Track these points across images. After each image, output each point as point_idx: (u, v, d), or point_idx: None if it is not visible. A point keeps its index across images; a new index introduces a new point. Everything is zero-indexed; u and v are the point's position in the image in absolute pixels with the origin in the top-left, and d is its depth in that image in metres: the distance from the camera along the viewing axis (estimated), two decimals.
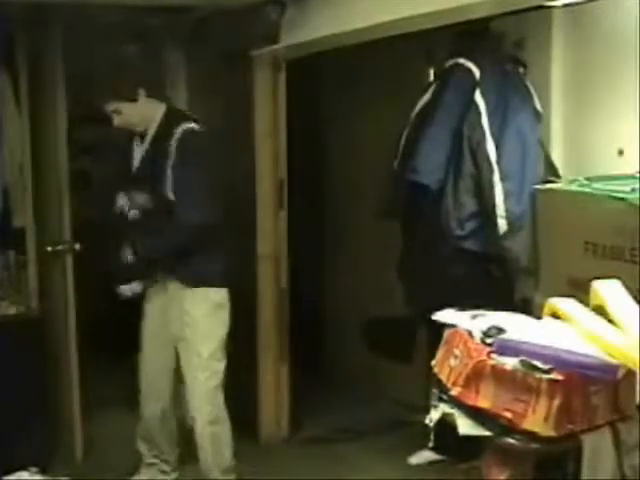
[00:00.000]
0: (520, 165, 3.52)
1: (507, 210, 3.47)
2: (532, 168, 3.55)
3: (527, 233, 3.44)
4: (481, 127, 3.52)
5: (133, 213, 3.61)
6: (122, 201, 3.64)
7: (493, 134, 3.52)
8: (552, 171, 3.65)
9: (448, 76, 3.64)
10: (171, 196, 3.48)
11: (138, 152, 3.62)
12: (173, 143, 3.47)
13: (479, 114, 3.52)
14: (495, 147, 3.51)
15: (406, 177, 3.65)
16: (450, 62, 3.63)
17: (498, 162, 3.50)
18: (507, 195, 3.48)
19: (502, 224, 3.48)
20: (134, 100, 3.52)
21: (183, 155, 3.46)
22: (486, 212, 3.53)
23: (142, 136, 3.60)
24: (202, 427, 3.60)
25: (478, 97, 3.53)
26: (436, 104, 3.63)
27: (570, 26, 3.70)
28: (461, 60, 3.58)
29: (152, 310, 3.73)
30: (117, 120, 3.54)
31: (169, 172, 3.46)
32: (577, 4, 3.57)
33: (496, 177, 3.49)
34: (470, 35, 3.65)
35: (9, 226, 4.11)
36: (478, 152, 3.52)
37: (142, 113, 3.56)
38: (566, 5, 3.59)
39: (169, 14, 4.29)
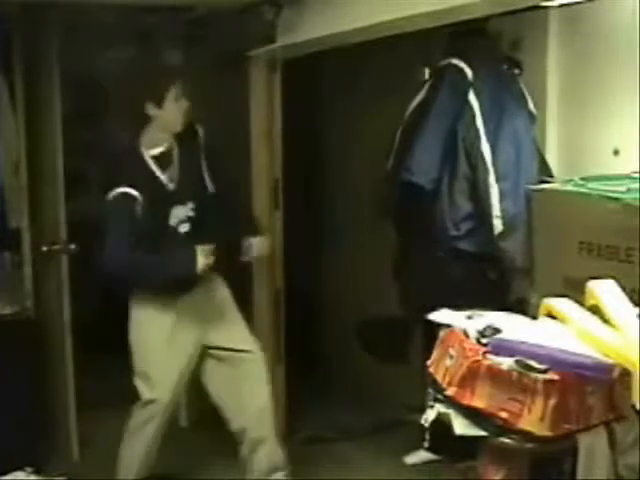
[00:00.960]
0: (515, 165, 3.53)
1: (502, 210, 3.47)
2: (527, 168, 3.55)
3: (522, 233, 3.44)
4: (475, 128, 3.52)
5: (184, 227, 3.52)
6: (173, 220, 3.50)
7: (488, 135, 3.52)
8: (546, 171, 3.66)
9: (441, 76, 3.64)
10: (211, 188, 3.62)
11: (171, 166, 3.53)
12: (202, 143, 3.59)
13: (473, 115, 3.53)
14: (490, 148, 3.51)
15: (401, 177, 3.65)
16: (443, 62, 3.64)
17: (493, 163, 3.50)
18: (502, 195, 3.48)
19: (497, 224, 3.48)
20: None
21: (213, 150, 3.62)
22: (481, 213, 3.54)
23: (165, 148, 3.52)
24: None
25: (472, 97, 3.54)
26: (429, 104, 3.64)
27: (566, 26, 3.70)
28: (454, 60, 3.59)
29: (167, 321, 3.58)
30: (185, 115, 3.48)
31: (205, 170, 3.59)
32: (573, 4, 3.58)
33: (491, 178, 3.49)
34: (465, 35, 3.65)
35: (5, 226, 4.11)
36: (473, 153, 3.53)
37: None
38: (562, 5, 3.59)
39: (165, 14, 4.29)
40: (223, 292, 3.72)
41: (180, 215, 3.51)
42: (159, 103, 3.43)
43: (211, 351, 3.68)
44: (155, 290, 3.54)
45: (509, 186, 3.50)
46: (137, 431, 3.61)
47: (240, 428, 3.66)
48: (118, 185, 3.38)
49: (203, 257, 3.42)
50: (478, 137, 3.52)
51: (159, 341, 3.57)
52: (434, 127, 3.59)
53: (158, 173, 3.49)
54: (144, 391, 3.57)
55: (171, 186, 3.52)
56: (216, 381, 3.71)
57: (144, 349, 3.59)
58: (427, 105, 3.66)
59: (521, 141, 3.57)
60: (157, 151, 3.49)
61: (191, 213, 3.53)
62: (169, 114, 3.45)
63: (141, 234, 3.39)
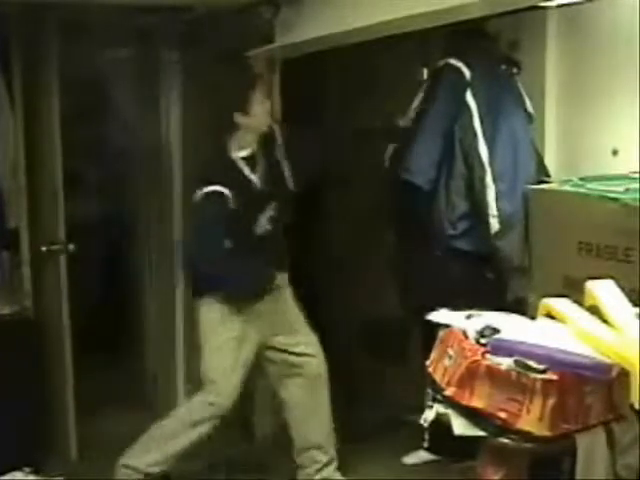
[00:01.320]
0: (512, 165, 3.53)
1: (499, 209, 3.48)
2: (524, 168, 3.55)
3: (519, 233, 3.44)
4: (473, 128, 3.53)
5: (264, 227, 3.59)
6: (263, 221, 3.59)
7: (485, 135, 3.52)
8: (543, 171, 3.66)
9: (439, 76, 3.65)
10: (292, 186, 3.68)
11: (256, 167, 3.61)
12: (281, 142, 3.66)
13: (471, 115, 3.53)
14: (487, 147, 3.51)
15: (400, 177, 3.66)
16: (441, 62, 3.65)
17: (490, 163, 3.50)
18: (499, 195, 3.48)
19: (494, 223, 3.48)
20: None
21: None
22: (478, 212, 3.54)
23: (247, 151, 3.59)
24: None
25: (469, 98, 3.54)
26: (427, 104, 3.64)
27: (565, 26, 3.70)
28: (452, 60, 3.59)
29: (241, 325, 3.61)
30: (269, 115, 3.63)
31: (286, 167, 3.66)
32: (572, 4, 3.58)
33: (488, 177, 3.49)
34: (463, 35, 3.65)
35: (4, 226, 4.11)
36: (470, 153, 3.53)
37: None
38: (560, 6, 3.60)
39: (163, 14, 4.29)
40: (291, 302, 3.76)
41: (266, 216, 3.58)
42: (246, 110, 3.51)
43: (280, 365, 3.73)
44: (227, 295, 3.54)
45: (506, 186, 3.50)
46: (192, 426, 3.58)
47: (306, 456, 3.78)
48: (207, 184, 3.42)
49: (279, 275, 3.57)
50: (475, 137, 3.52)
51: (229, 347, 3.58)
52: (432, 127, 3.60)
53: (248, 173, 3.56)
54: (209, 393, 3.57)
55: (260, 185, 3.58)
56: (293, 400, 3.77)
57: (213, 354, 3.60)
58: (426, 105, 3.66)
59: (519, 141, 3.57)
60: (245, 153, 3.56)
61: (273, 213, 3.60)
62: (256, 118, 3.54)
63: (228, 234, 3.44)
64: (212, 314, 3.58)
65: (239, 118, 3.52)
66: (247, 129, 3.56)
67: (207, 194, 3.41)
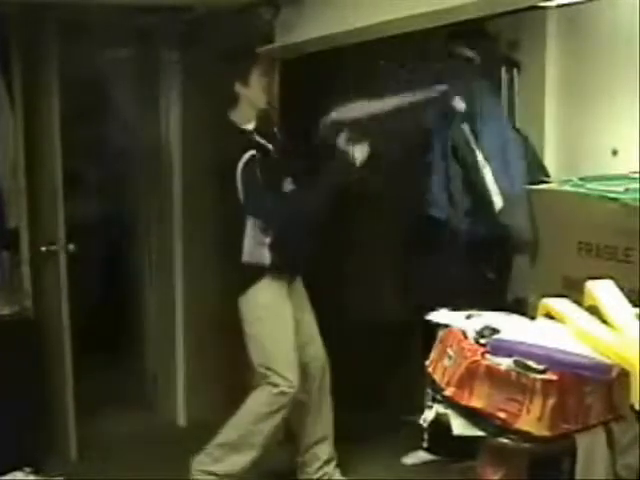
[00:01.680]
0: (500, 146, 3.56)
1: (499, 187, 3.49)
2: (512, 149, 3.57)
3: (524, 208, 3.42)
4: (461, 122, 3.57)
5: (289, 187, 3.70)
6: (288, 188, 3.70)
7: (471, 125, 3.56)
8: (543, 171, 3.66)
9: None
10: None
11: (264, 138, 3.68)
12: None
13: (461, 114, 3.58)
14: (473, 134, 3.55)
15: (424, 211, 3.73)
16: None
17: (480, 147, 3.53)
18: (495, 173, 3.51)
19: (498, 201, 3.49)
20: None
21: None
22: (480, 196, 3.55)
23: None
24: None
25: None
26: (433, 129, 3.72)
27: (565, 26, 3.71)
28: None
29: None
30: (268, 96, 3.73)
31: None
32: (572, 4, 3.58)
33: (480, 158, 3.52)
34: (463, 35, 3.66)
35: (3, 226, 4.11)
36: (460, 145, 3.59)
37: None
38: (560, 6, 3.60)
39: (163, 14, 4.29)
40: (305, 295, 3.86)
41: (288, 182, 3.69)
42: (246, 82, 3.62)
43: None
44: (271, 276, 3.62)
45: (498, 165, 3.52)
46: (263, 420, 3.61)
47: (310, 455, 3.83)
48: (240, 154, 3.50)
49: (359, 151, 3.57)
50: (463, 131, 3.56)
51: (279, 330, 3.66)
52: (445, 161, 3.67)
53: (262, 141, 3.63)
54: (273, 383, 3.59)
55: (274, 153, 3.66)
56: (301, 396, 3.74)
57: (266, 340, 3.64)
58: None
59: (503, 127, 3.63)
60: (251, 125, 3.66)
61: (294, 180, 3.69)
62: (255, 91, 3.64)
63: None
64: (260, 299, 3.64)
65: (239, 88, 3.62)
66: (247, 102, 3.65)
67: (246, 162, 3.49)
